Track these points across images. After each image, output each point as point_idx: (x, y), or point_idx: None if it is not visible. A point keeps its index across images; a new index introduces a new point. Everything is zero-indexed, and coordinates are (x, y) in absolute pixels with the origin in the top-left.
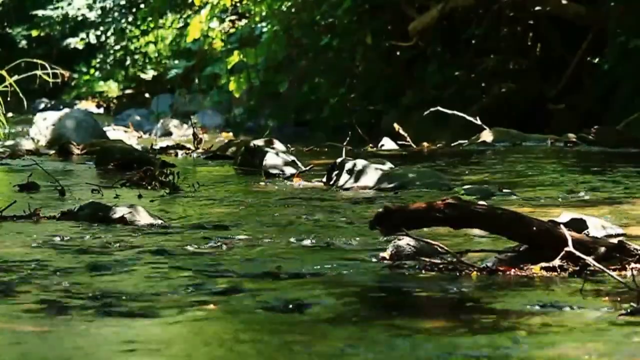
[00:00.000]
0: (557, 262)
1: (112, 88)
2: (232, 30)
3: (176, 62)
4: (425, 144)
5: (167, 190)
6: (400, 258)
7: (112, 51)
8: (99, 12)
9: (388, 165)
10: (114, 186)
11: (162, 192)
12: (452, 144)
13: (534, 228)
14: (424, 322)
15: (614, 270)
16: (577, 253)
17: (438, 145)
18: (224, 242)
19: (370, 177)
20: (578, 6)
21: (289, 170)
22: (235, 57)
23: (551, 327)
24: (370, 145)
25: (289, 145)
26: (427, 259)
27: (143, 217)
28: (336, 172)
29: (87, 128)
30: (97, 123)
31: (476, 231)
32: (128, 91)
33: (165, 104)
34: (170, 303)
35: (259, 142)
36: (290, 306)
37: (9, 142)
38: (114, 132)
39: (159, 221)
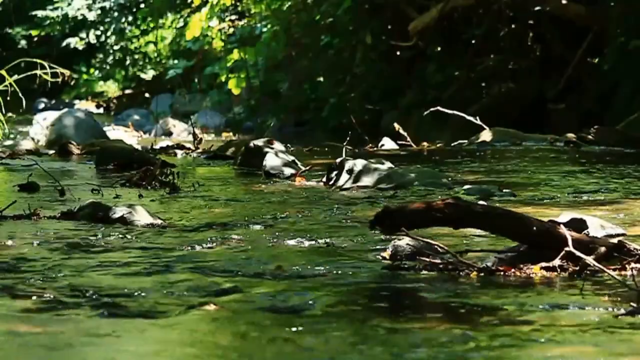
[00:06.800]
0: (557, 262)
1: (112, 88)
2: (231, 30)
3: (176, 62)
4: (425, 144)
5: (167, 190)
6: (400, 258)
7: (111, 51)
8: (99, 12)
9: (388, 165)
10: (114, 186)
11: (162, 192)
12: (452, 144)
13: (534, 228)
14: (424, 322)
15: (614, 270)
16: (577, 253)
17: (438, 145)
18: (225, 243)
19: (370, 177)
20: (578, 6)
21: (289, 171)
22: (235, 56)
23: (551, 327)
24: (370, 145)
25: (288, 145)
26: (427, 259)
27: (143, 217)
28: (336, 172)
29: (87, 128)
30: (97, 123)
31: (476, 231)
32: (128, 91)
33: (165, 104)
34: (170, 303)
35: (259, 142)
36: (291, 306)
37: (9, 142)
38: (114, 132)
39: (159, 221)
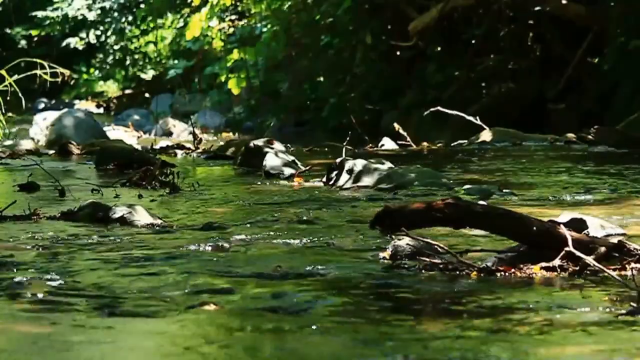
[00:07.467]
0: (557, 262)
1: (112, 88)
2: (231, 30)
3: (176, 62)
4: (425, 144)
5: (167, 190)
6: (400, 258)
7: (111, 51)
8: (99, 12)
9: (388, 165)
10: (114, 186)
11: (162, 192)
12: (452, 144)
13: (534, 228)
14: (424, 322)
15: (614, 270)
16: (577, 253)
17: (438, 145)
18: (225, 243)
19: (370, 177)
20: (578, 6)
21: (289, 171)
22: (235, 56)
23: (551, 327)
24: (370, 145)
25: (288, 145)
26: (427, 259)
27: (143, 217)
28: (336, 172)
29: (87, 128)
30: (97, 123)
31: (476, 231)
32: (128, 91)
33: (165, 104)
34: (170, 303)
35: (259, 142)
36: (290, 306)
37: (9, 142)
38: (114, 132)
39: (159, 221)
